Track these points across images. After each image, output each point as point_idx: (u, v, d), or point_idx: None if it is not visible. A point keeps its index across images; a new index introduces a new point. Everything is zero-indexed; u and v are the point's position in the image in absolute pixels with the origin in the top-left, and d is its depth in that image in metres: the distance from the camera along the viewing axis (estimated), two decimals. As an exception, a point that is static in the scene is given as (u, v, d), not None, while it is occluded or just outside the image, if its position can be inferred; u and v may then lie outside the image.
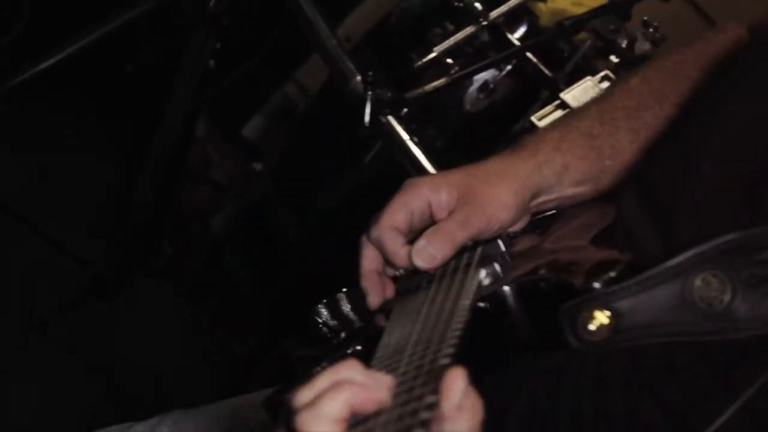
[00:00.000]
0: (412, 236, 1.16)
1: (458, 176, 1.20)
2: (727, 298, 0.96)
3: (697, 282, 0.97)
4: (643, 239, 1.10)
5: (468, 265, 1.11)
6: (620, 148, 1.28)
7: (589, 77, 2.00)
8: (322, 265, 2.70)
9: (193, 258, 3.03)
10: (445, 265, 1.14)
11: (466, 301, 0.99)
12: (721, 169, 1.09)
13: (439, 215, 1.17)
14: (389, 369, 0.85)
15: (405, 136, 1.98)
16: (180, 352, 2.82)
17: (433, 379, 0.80)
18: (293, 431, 0.80)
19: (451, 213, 1.16)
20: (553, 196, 1.26)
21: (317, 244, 2.68)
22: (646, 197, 1.16)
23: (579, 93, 2.01)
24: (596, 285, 1.01)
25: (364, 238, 1.19)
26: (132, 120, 3.03)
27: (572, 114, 1.36)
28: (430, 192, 1.17)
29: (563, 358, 1.09)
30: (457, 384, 0.80)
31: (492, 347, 0.92)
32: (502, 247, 1.15)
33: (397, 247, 1.14)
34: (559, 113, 2.02)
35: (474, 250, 1.15)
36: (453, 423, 0.79)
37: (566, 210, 1.29)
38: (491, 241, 1.16)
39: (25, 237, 2.73)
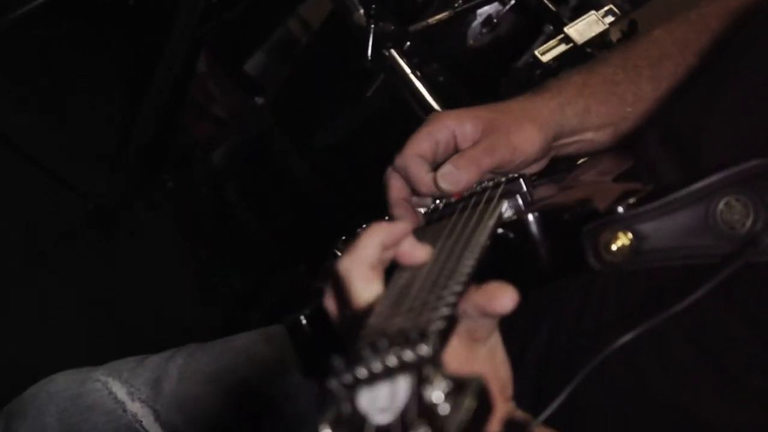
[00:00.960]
0: (436, 167, 1.17)
1: (484, 111, 1.22)
2: (749, 222, 0.97)
3: (721, 205, 0.98)
4: (667, 174, 1.11)
5: (490, 200, 1.12)
6: (642, 95, 1.29)
7: (593, 11, 1.99)
8: (323, 199, 2.71)
9: (193, 191, 3.03)
10: (466, 200, 1.15)
11: (486, 226, 1.00)
12: (746, 106, 1.10)
13: (463, 146, 1.18)
14: (402, 294, 0.86)
15: (407, 69, 1.98)
16: (179, 284, 2.83)
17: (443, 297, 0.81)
18: (335, 278, 0.89)
19: (477, 142, 1.18)
20: (574, 138, 1.28)
21: (318, 178, 2.69)
22: (669, 136, 1.16)
23: (583, 27, 2.00)
24: (620, 209, 1.02)
25: (389, 170, 1.20)
26: (133, 52, 3.02)
27: (596, 60, 1.37)
28: (455, 123, 1.19)
29: (585, 286, 1.12)
30: (504, 300, 0.82)
31: (512, 275, 0.92)
32: (524, 187, 1.16)
33: (422, 173, 1.16)
34: (562, 47, 2.01)
35: (496, 188, 1.16)
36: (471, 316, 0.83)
37: (586, 159, 1.32)
38: (514, 179, 1.16)
39: (26, 168, 2.73)
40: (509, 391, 0.91)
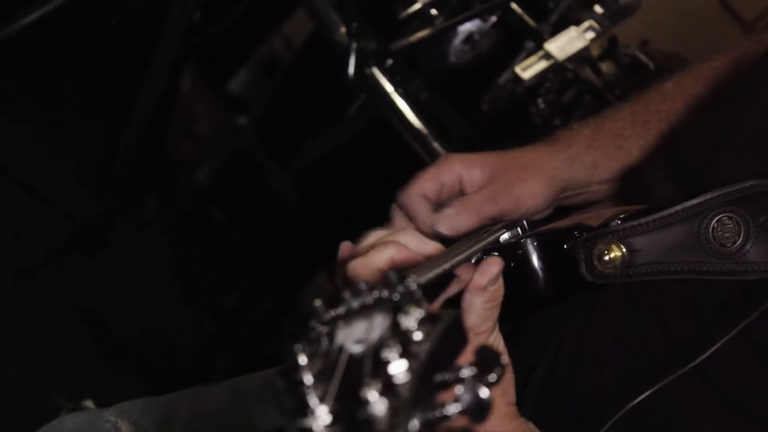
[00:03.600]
0: (439, 206, 1.18)
1: (492, 157, 1.22)
2: (740, 240, 0.99)
3: (713, 222, 1.00)
4: (666, 195, 1.12)
5: (491, 228, 1.14)
6: (648, 149, 1.29)
7: (573, 27, 2.00)
8: (306, 215, 2.71)
9: (179, 209, 3.03)
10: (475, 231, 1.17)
11: (483, 241, 1.03)
12: (747, 132, 1.11)
13: (469, 190, 1.19)
14: None
15: (389, 87, 1.98)
16: (167, 302, 2.83)
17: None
18: (344, 276, 0.92)
19: (480, 188, 1.19)
20: (580, 191, 1.28)
21: (301, 195, 2.69)
22: (676, 169, 1.17)
23: (563, 44, 2.01)
24: (615, 221, 1.04)
25: (394, 206, 1.21)
26: (117, 73, 3.02)
27: (606, 113, 1.37)
28: (463, 167, 1.19)
29: (587, 308, 1.13)
30: (492, 268, 0.89)
31: (514, 298, 0.94)
32: (526, 225, 1.18)
33: (423, 213, 1.16)
34: (543, 64, 2.03)
35: (497, 225, 1.18)
36: (472, 296, 0.89)
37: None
38: (516, 222, 1.18)
39: (12, 188, 2.73)
40: (511, 396, 0.94)
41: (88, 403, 1.88)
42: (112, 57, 3.09)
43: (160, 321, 2.75)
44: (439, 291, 0.85)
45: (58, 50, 3.06)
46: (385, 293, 0.67)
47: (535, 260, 1.07)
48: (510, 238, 1.13)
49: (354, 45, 1.93)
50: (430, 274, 0.81)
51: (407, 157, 2.10)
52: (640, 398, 0.93)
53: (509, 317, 1.10)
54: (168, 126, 2.91)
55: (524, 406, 1.13)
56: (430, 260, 0.91)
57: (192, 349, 2.74)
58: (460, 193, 1.19)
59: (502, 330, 0.96)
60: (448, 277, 0.88)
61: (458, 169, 1.19)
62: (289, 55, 3.16)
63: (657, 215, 1.02)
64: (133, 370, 2.62)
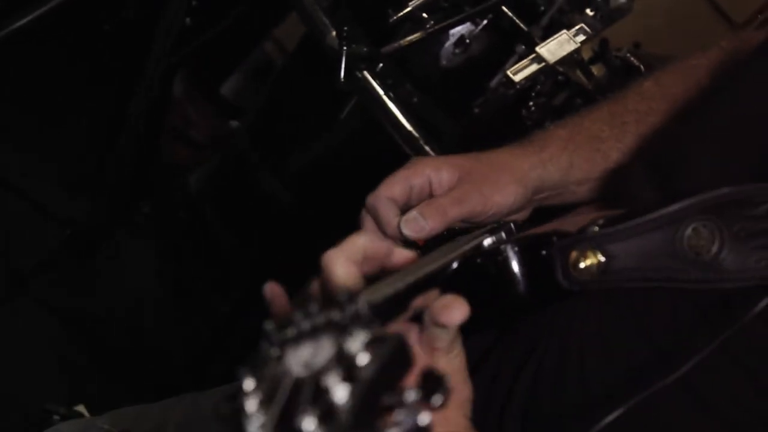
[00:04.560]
0: (407, 210, 1.18)
1: (462, 159, 1.23)
2: (714, 248, 0.98)
3: (688, 231, 0.99)
4: (646, 199, 1.12)
5: (475, 234, 1.14)
6: (626, 151, 1.31)
7: (564, 30, 2.00)
8: (301, 221, 2.71)
9: (172, 215, 3.03)
10: (458, 237, 1.16)
11: (460, 249, 1.03)
12: (725, 138, 1.12)
13: (438, 192, 1.19)
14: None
15: (380, 91, 1.98)
16: (160, 309, 2.83)
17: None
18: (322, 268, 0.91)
19: (449, 190, 1.18)
20: (556, 192, 1.29)
21: (295, 199, 2.69)
22: (654, 168, 1.18)
23: (554, 47, 2.01)
24: (591, 228, 1.04)
25: (363, 210, 1.21)
26: (110, 79, 3.03)
27: (582, 114, 1.37)
28: (432, 170, 1.19)
29: (569, 314, 1.13)
30: (455, 313, 0.85)
31: (494, 306, 0.94)
32: (512, 227, 1.17)
33: (390, 216, 1.16)
34: (534, 67, 2.02)
35: (484, 227, 1.18)
36: (431, 325, 0.87)
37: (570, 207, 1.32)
38: (505, 224, 1.18)
39: (4, 195, 2.73)
40: (467, 409, 0.92)
41: (80, 408, 1.87)
42: (104, 63, 3.09)
43: (153, 327, 2.75)
44: (399, 308, 0.84)
45: (51, 56, 3.06)
46: (335, 314, 0.66)
47: (515, 266, 1.06)
48: (492, 243, 1.13)
49: (345, 49, 1.93)
50: (389, 291, 0.80)
51: (400, 161, 2.10)
52: (617, 413, 0.93)
53: (491, 325, 1.10)
54: (161, 131, 2.91)
55: (510, 416, 1.12)
56: (397, 273, 0.90)
57: (185, 355, 2.73)
58: (430, 196, 1.19)
59: (483, 340, 0.95)
60: (414, 290, 0.86)
61: (427, 172, 1.19)
62: (281, 60, 3.16)
63: (633, 222, 1.02)
64: (125, 376, 2.61)
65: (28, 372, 2.47)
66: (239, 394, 0.60)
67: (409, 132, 1.99)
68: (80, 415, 1.93)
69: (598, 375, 1.07)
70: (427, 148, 2.00)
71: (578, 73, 2.13)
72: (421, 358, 0.87)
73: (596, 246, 1.02)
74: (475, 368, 0.95)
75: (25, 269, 2.63)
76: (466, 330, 0.89)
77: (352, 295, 0.68)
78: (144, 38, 2.53)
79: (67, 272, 2.70)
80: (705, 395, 1.00)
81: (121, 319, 2.69)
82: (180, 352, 2.69)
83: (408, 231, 1.14)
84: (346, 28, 1.93)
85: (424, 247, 1.18)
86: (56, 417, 1.82)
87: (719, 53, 1.36)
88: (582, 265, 1.02)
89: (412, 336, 0.89)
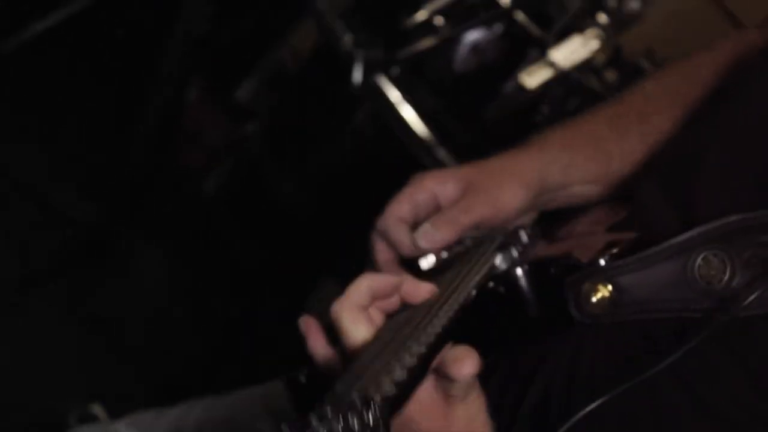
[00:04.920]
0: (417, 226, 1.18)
1: (465, 170, 1.22)
2: (726, 277, 0.98)
3: (698, 260, 0.99)
4: (661, 221, 1.11)
5: (485, 251, 1.14)
6: (630, 150, 1.29)
7: (578, 36, 2.01)
8: (314, 224, 2.72)
9: (185, 219, 3.04)
10: (464, 254, 1.16)
11: (472, 282, 1.01)
12: (735, 154, 1.10)
13: (445, 205, 1.19)
14: (376, 349, 0.88)
15: (396, 95, 2.00)
16: (173, 311, 2.83)
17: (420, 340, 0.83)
18: (332, 323, 0.90)
19: (457, 201, 1.19)
20: (560, 193, 1.28)
21: (309, 204, 2.70)
22: (665, 182, 1.17)
23: (568, 52, 2.02)
24: (601, 261, 1.04)
25: (373, 234, 1.21)
26: (125, 84, 3.04)
27: (583, 116, 1.36)
28: (435, 184, 1.19)
29: (576, 339, 1.11)
30: (466, 368, 0.85)
31: (504, 327, 0.94)
32: (525, 239, 1.17)
33: (402, 236, 1.16)
34: (547, 72, 2.04)
35: (494, 240, 1.18)
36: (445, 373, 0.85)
37: (580, 209, 1.31)
38: (514, 232, 1.18)
39: (17, 196, 2.75)
40: (483, 418, 0.93)
41: (96, 408, 1.88)
42: (119, 68, 3.10)
43: (167, 330, 2.75)
44: (418, 380, 0.83)
45: (66, 61, 3.08)
46: (353, 422, 0.67)
47: (526, 290, 1.08)
48: (503, 262, 1.13)
49: (360, 53, 1.94)
50: (402, 375, 0.79)
51: (414, 167, 2.10)
52: (600, 401, 0.93)
53: (495, 347, 1.10)
54: (175, 136, 2.92)
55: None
56: (411, 327, 0.89)
57: (199, 357, 2.74)
58: (437, 209, 1.19)
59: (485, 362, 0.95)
60: (429, 357, 0.85)
61: (431, 186, 1.19)
62: (296, 65, 3.17)
63: (641, 254, 1.02)
64: (139, 378, 2.62)
65: (42, 372, 2.47)
66: None
67: (424, 137, 2.00)
68: (96, 416, 1.94)
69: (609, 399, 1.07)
70: (441, 152, 2.01)
71: (591, 78, 2.13)
72: (439, 407, 0.88)
73: (607, 279, 1.02)
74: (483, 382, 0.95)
75: (39, 270, 2.65)
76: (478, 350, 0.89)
77: (368, 403, 0.68)
78: (158, 44, 2.55)
79: (81, 273, 2.71)
80: (696, 390, 0.99)
81: (134, 320, 2.69)
82: (193, 354, 2.70)
83: (423, 244, 1.14)
84: (361, 33, 1.94)
85: (436, 270, 1.19)
86: (72, 418, 1.83)
87: (725, 53, 1.35)
88: (594, 299, 1.02)
89: (429, 384, 0.88)
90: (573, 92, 2.13)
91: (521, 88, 2.08)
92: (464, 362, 0.85)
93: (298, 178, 2.70)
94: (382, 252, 1.20)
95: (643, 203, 1.17)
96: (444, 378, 0.87)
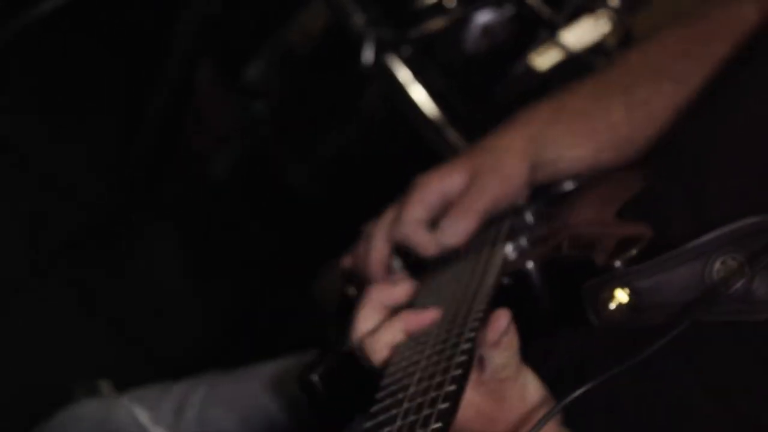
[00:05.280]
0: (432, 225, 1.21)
1: (463, 158, 1.25)
2: (745, 280, 0.97)
3: (717, 264, 0.98)
4: (673, 216, 1.11)
5: (495, 240, 1.14)
6: (614, 124, 1.29)
7: (589, 17, 2.01)
8: (323, 208, 2.72)
9: (194, 202, 3.04)
10: (472, 241, 1.17)
11: (490, 279, 1.02)
12: (752, 151, 1.10)
13: (456, 198, 1.21)
14: (416, 349, 0.88)
15: (407, 75, 1.99)
16: (183, 295, 2.84)
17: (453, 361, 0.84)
18: (357, 354, 0.95)
19: (466, 189, 1.20)
20: (549, 168, 1.29)
21: (319, 187, 2.70)
22: (677, 174, 1.16)
23: (579, 34, 2.02)
24: (617, 264, 1.03)
25: (375, 233, 1.22)
26: (136, 65, 3.04)
27: (567, 89, 1.37)
28: (440, 182, 1.22)
29: (587, 334, 1.11)
30: (501, 321, 0.88)
31: (516, 322, 0.94)
32: (530, 219, 1.17)
33: (424, 240, 1.18)
34: (558, 54, 2.03)
35: (501, 224, 1.18)
36: (487, 352, 0.88)
37: (590, 180, 1.32)
38: (519, 213, 1.18)
39: (27, 179, 2.75)
40: (556, 420, 0.93)
41: (103, 384, 1.88)
42: (128, 51, 3.10)
43: (176, 311, 2.76)
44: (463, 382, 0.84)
45: (77, 42, 3.08)
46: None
47: (539, 289, 1.08)
48: (516, 257, 1.13)
49: (371, 32, 1.94)
50: (453, 388, 0.80)
51: (423, 149, 2.11)
52: (587, 386, 0.92)
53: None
54: (184, 118, 2.92)
55: None
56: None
57: (207, 339, 2.75)
58: (449, 204, 1.20)
59: None
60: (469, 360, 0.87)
61: (436, 186, 1.21)
62: (305, 46, 3.16)
63: (659, 258, 1.01)
64: (149, 360, 2.63)
65: (50, 354, 2.49)
66: None
67: (436, 117, 2.00)
68: (102, 392, 1.94)
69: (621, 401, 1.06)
70: (452, 134, 2.01)
71: (602, 60, 2.13)
72: (488, 400, 0.89)
73: (624, 283, 1.02)
74: None
75: (51, 250, 2.65)
76: None
77: (426, 420, 0.70)
78: (170, 23, 2.55)
79: (92, 254, 2.71)
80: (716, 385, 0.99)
81: (142, 302, 2.70)
82: (201, 334, 2.71)
83: (448, 239, 1.16)
84: (372, 12, 1.94)
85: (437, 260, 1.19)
86: (79, 393, 1.83)
87: (718, 25, 1.33)
88: (612, 305, 1.02)
89: (472, 383, 0.89)
90: (583, 74, 2.12)
91: (531, 70, 2.07)
92: (496, 320, 0.88)
93: (307, 159, 2.70)
94: (379, 254, 1.21)
95: (654, 195, 1.17)
96: (488, 362, 0.88)
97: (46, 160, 2.79)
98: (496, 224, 1.20)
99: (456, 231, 1.16)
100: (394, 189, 1.31)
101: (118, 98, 3.06)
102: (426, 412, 0.67)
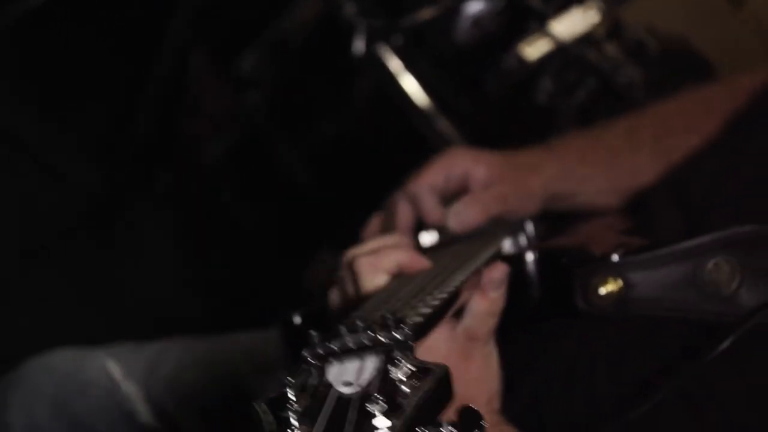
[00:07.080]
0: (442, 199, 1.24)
1: (497, 158, 1.28)
2: (734, 285, 1.01)
3: (709, 266, 1.02)
4: (671, 228, 1.16)
5: (495, 235, 1.17)
6: (640, 169, 1.34)
7: (578, 8, 2.02)
8: (318, 195, 2.74)
9: (189, 188, 3.05)
10: (473, 233, 1.19)
11: (484, 253, 1.05)
12: (758, 175, 1.14)
13: (473, 187, 1.23)
14: (390, 294, 0.90)
15: (398, 64, 2.01)
16: (176, 281, 2.85)
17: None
18: (351, 272, 0.96)
19: (488, 187, 1.23)
20: (569, 201, 1.33)
21: (313, 174, 2.72)
22: (681, 199, 1.20)
23: (568, 24, 2.03)
24: (614, 255, 1.06)
25: (399, 194, 1.25)
26: (131, 50, 3.05)
27: (602, 127, 1.41)
28: (471, 163, 1.25)
29: (581, 330, 1.15)
30: (496, 272, 0.92)
31: (507, 308, 0.97)
32: (531, 229, 1.21)
33: (432, 205, 1.21)
34: (548, 44, 2.05)
35: (503, 225, 1.21)
36: (473, 301, 0.91)
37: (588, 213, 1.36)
38: (521, 223, 1.22)
39: (23, 164, 2.76)
40: (496, 403, 0.96)
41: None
42: (123, 38, 3.11)
43: (170, 297, 2.77)
44: (437, 321, 0.86)
45: (73, 31, 3.08)
46: (381, 336, 0.69)
47: (533, 275, 1.10)
48: (511, 247, 1.16)
49: (363, 22, 1.95)
50: (427, 310, 0.82)
51: (414, 138, 2.12)
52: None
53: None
54: (179, 104, 2.93)
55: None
56: (425, 280, 0.93)
57: (201, 325, 2.76)
58: (464, 188, 1.22)
59: None
60: (449, 303, 0.89)
61: (466, 165, 1.24)
62: (298, 35, 3.17)
63: (655, 252, 1.04)
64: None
65: (45, 339, 2.48)
66: (282, 401, 0.63)
67: (426, 107, 2.01)
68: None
69: (606, 390, 1.09)
70: (443, 124, 2.02)
71: (591, 51, 2.14)
72: (459, 347, 0.92)
73: (617, 273, 1.05)
74: None
75: (43, 237, 2.66)
76: None
77: (399, 321, 0.70)
78: (165, 10, 2.55)
79: (85, 241, 2.72)
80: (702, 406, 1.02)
81: (137, 287, 2.71)
82: (195, 320, 2.72)
83: (453, 223, 1.19)
84: (363, 1, 1.95)
85: (433, 248, 1.22)
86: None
87: (743, 90, 1.36)
88: (602, 291, 1.04)
89: (449, 326, 0.92)
90: (572, 64, 2.14)
91: (521, 60, 2.09)
92: (495, 268, 0.92)
93: (301, 147, 2.71)
94: (405, 214, 1.23)
95: (652, 211, 1.20)
96: (469, 318, 0.92)
97: (40, 146, 2.80)
98: (500, 225, 1.23)
99: (463, 219, 1.19)
100: (386, 177, 1.33)
101: (112, 87, 3.07)
102: (393, 322, 0.69)
